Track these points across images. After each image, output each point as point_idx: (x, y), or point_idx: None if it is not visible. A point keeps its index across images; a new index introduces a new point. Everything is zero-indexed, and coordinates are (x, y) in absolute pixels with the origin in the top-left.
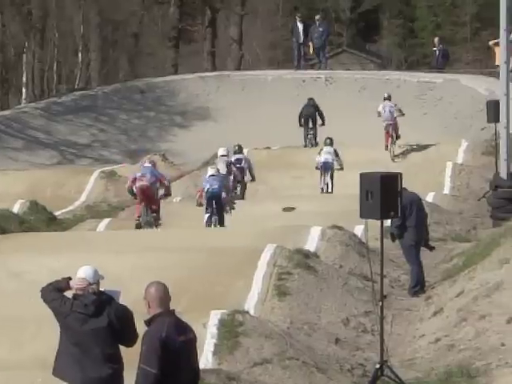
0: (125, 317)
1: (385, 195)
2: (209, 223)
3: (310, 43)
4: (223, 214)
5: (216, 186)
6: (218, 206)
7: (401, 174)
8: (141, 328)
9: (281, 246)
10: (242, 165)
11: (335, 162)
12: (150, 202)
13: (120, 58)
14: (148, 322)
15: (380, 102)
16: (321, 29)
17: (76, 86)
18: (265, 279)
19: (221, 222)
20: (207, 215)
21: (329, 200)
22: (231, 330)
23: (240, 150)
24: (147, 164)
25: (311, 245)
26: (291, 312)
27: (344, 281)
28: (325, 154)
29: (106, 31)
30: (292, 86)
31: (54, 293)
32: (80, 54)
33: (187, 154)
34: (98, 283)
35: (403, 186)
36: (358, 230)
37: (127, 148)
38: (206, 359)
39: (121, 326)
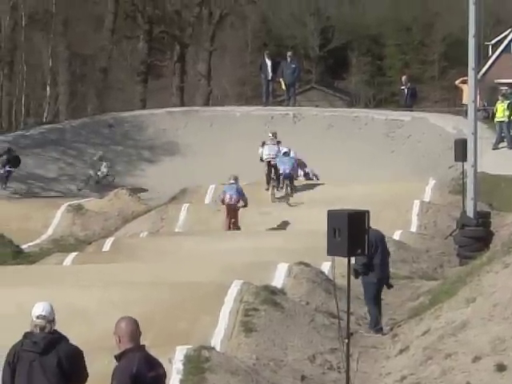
0: (75, 356)
1: (352, 233)
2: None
3: (281, 79)
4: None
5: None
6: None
7: (368, 212)
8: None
9: (248, 282)
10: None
11: None
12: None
13: (88, 92)
14: (118, 357)
15: (348, 139)
16: (293, 65)
17: (44, 120)
18: (231, 315)
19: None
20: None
21: (295, 236)
22: (197, 366)
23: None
24: (232, 181)
25: (278, 281)
26: (257, 348)
27: (310, 318)
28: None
29: (74, 65)
30: (260, 122)
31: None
32: (48, 88)
33: (154, 188)
34: (54, 320)
35: None
36: (325, 266)
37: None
38: None
39: (70, 366)
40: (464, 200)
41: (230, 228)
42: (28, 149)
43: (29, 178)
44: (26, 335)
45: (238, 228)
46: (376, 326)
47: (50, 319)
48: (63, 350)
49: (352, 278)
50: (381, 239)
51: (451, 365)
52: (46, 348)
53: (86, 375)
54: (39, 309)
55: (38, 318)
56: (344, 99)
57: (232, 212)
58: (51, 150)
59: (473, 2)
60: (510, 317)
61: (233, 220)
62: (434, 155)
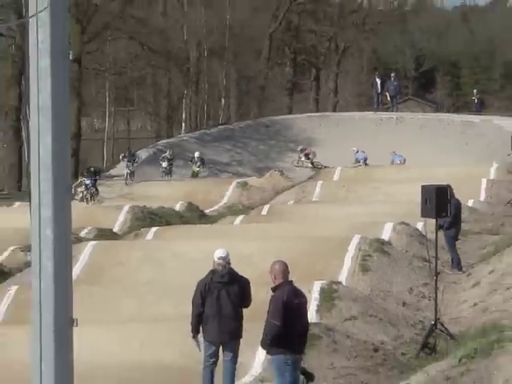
0: (248, 285)
1: (439, 201)
2: None
3: (387, 93)
4: None
5: None
6: None
7: (450, 186)
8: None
9: (364, 236)
10: None
11: None
12: None
13: (251, 103)
14: (274, 289)
15: (435, 135)
16: (395, 83)
17: (220, 122)
18: (353, 260)
19: None
20: None
21: (398, 204)
22: (329, 296)
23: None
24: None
25: (386, 235)
26: (371, 283)
27: (409, 261)
28: None
29: (241, 84)
30: (372, 123)
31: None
32: (223, 100)
33: (297, 171)
34: (229, 261)
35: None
36: (419, 225)
37: (256, 166)
38: (311, 316)
39: (246, 291)
40: None
41: None
42: (209, 143)
43: (209, 163)
44: (214, 272)
45: None
46: (458, 266)
47: (227, 260)
48: (241, 281)
49: (439, 233)
50: (460, 205)
51: (511, 295)
52: (230, 280)
53: (251, 299)
54: (220, 252)
55: (219, 259)
56: (432, 107)
57: None
58: (225, 143)
59: None
60: None
61: None
62: (496, 146)
